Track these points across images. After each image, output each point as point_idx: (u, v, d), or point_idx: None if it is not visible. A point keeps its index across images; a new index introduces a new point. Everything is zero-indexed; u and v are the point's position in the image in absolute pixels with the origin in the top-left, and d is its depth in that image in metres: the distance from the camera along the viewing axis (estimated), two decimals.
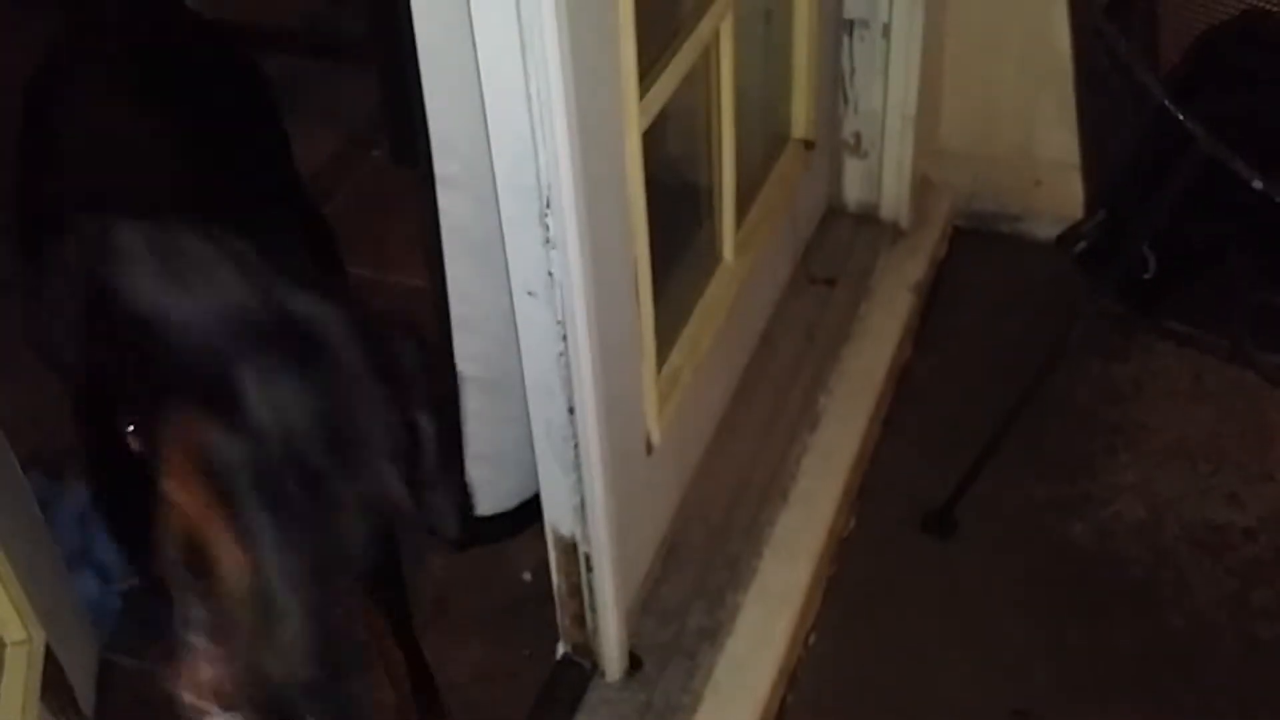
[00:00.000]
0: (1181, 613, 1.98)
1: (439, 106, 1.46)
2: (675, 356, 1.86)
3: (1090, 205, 1.80)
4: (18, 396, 1.76)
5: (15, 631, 1.59)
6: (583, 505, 1.57)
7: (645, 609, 1.83)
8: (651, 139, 1.58)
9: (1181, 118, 1.55)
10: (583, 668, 1.74)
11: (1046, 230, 2.66)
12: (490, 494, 1.87)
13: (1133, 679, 1.88)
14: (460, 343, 1.70)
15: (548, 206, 1.33)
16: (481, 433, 1.77)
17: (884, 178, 2.48)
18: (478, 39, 1.26)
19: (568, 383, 1.46)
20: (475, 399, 1.72)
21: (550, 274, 1.38)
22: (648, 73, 1.57)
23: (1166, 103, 1.54)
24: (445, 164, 1.52)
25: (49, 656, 1.63)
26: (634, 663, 1.76)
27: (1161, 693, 1.86)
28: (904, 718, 1.85)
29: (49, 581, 1.70)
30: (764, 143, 2.21)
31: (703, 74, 1.83)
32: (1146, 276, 1.70)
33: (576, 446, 1.51)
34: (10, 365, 1.91)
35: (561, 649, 1.75)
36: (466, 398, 1.70)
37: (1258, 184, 1.48)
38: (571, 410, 1.48)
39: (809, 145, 2.30)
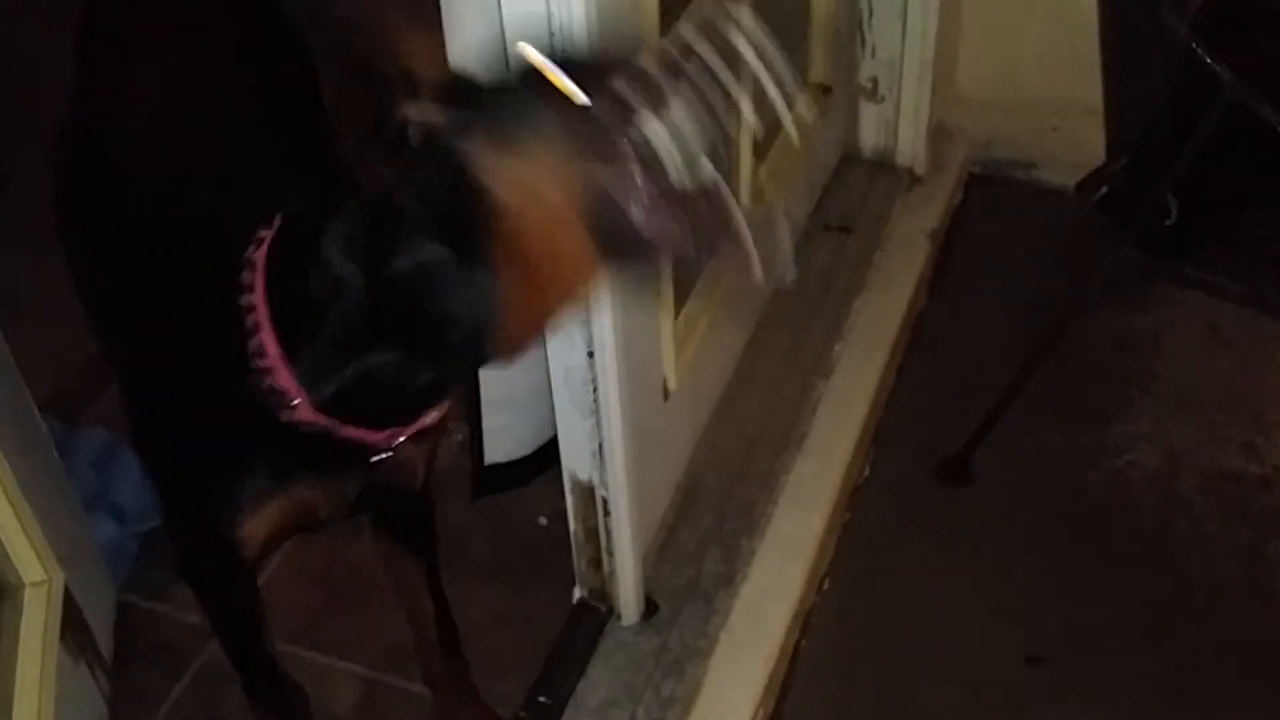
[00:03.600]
0: (1196, 562, 1.98)
1: (461, 47, 1.43)
2: (692, 303, 1.85)
3: (1112, 151, 1.78)
4: (34, 343, 1.75)
5: (35, 572, 1.60)
6: (601, 450, 1.57)
7: (661, 554, 1.83)
8: None
9: (1209, 61, 1.52)
10: (599, 611, 1.75)
11: (1063, 177, 2.64)
12: (507, 440, 1.87)
13: (1146, 628, 1.89)
14: None
15: None
16: (496, 379, 1.77)
17: (900, 124, 2.46)
18: None
19: (587, 326, 1.45)
20: None
21: None
22: (666, 14, 1.54)
23: (1194, 45, 1.51)
24: None
25: (68, 597, 1.63)
26: (650, 607, 1.76)
27: (1175, 641, 1.87)
28: (916, 664, 1.86)
29: (67, 524, 1.71)
30: None
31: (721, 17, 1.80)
32: (1168, 223, 1.69)
33: (595, 391, 1.51)
34: (27, 313, 1.92)
35: (578, 593, 1.76)
36: None
37: None
38: (591, 354, 1.47)
39: (826, 90, 2.27)
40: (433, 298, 0.99)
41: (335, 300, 1.04)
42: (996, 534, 2.03)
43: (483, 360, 1.10)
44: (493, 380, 1.77)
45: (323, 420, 1.11)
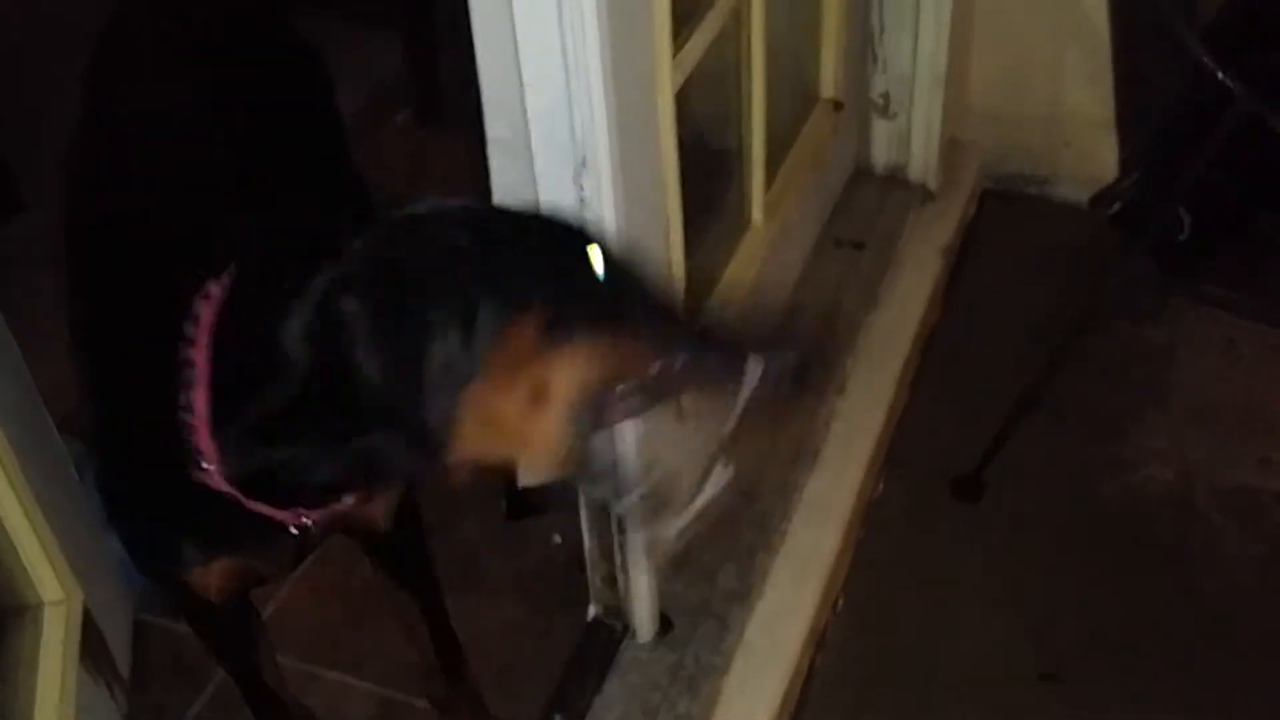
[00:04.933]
0: (1211, 577, 1.97)
1: (490, 68, 1.44)
2: None
3: (1125, 166, 1.78)
4: (52, 365, 1.77)
5: (54, 591, 1.61)
6: (615, 467, 1.57)
7: (675, 571, 1.83)
8: (682, 100, 1.57)
9: (1220, 74, 1.53)
10: (614, 629, 1.75)
11: (1075, 192, 2.65)
12: None
13: (1162, 643, 1.88)
14: None
15: (583, 164, 1.32)
16: None
17: (913, 139, 2.46)
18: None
19: None
20: None
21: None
22: (680, 31, 1.56)
23: (1205, 59, 1.51)
24: (496, 127, 1.50)
25: (87, 616, 1.64)
26: (665, 624, 1.76)
27: (1190, 657, 1.86)
28: (931, 680, 1.85)
29: (86, 543, 1.72)
30: (793, 104, 2.19)
31: (733, 34, 1.81)
32: (1182, 238, 1.69)
33: None
34: (46, 334, 1.93)
35: (593, 610, 1.76)
36: None
37: None
38: None
39: (838, 106, 2.28)
40: (380, 420, 0.97)
41: (274, 382, 1.00)
42: (1010, 550, 2.03)
43: (408, 475, 1.08)
44: None
45: (229, 491, 1.09)
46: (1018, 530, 2.06)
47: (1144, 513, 2.07)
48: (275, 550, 1.26)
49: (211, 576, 1.27)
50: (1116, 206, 1.78)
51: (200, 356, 1.06)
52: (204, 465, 1.08)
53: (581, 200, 1.35)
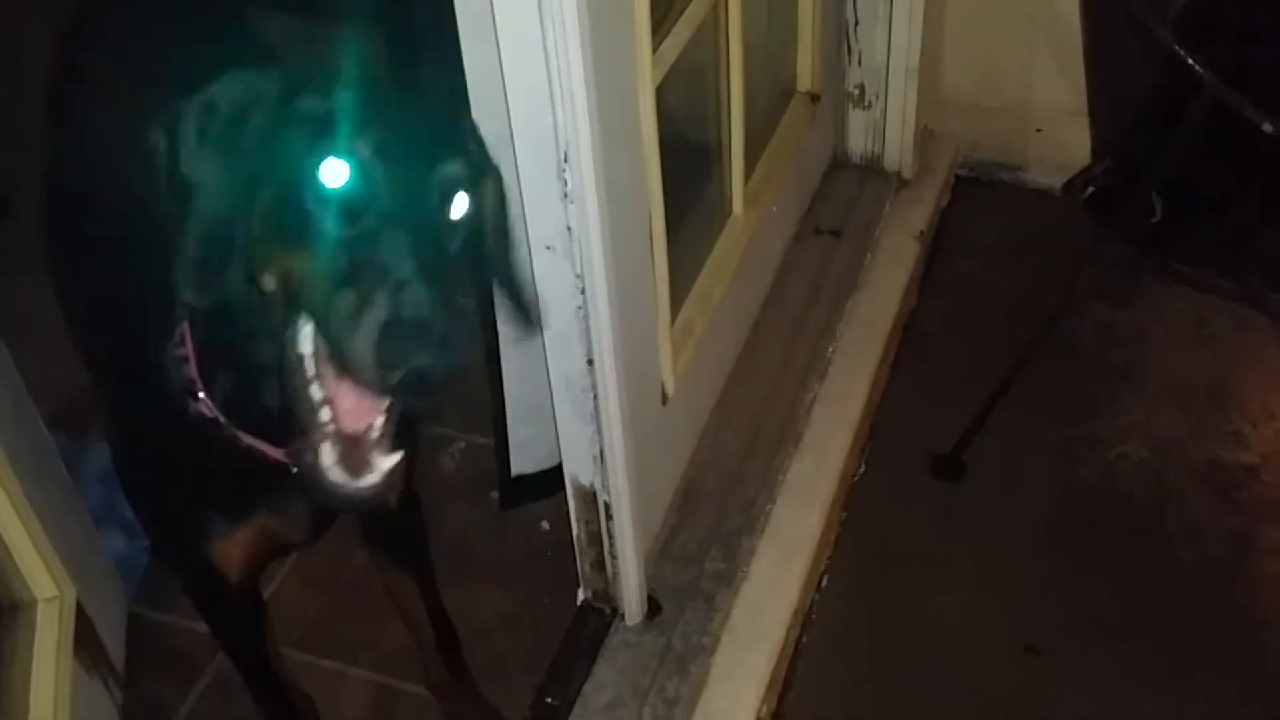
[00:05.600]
0: (1189, 551, 2.02)
1: (476, 64, 1.46)
2: (688, 309, 1.88)
3: (1098, 151, 1.82)
4: (40, 362, 1.78)
5: (47, 588, 1.62)
6: (601, 455, 1.60)
7: (662, 554, 1.86)
8: (662, 94, 1.60)
9: (1190, 62, 1.56)
10: (603, 613, 1.78)
11: (1047, 178, 2.69)
12: (533, 451, 1.90)
13: (1142, 617, 1.93)
14: (500, 302, 1.71)
15: (565, 160, 1.35)
16: (521, 392, 1.80)
17: (887, 128, 2.50)
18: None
19: (586, 335, 1.49)
20: (515, 359, 1.74)
21: (569, 228, 1.40)
22: (660, 26, 1.58)
23: (1175, 48, 1.55)
24: (485, 124, 1.52)
25: (80, 612, 1.66)
26: (653, 607, 1.79)
27: (1170, 629, 1.91)
28: (916, 656, 1.89)
29: (78, 539, 1.74)
30: (770, 96, 2.22)
31: (711, 28, 1.84)
32: (1154, 220, 1.72)
33: (595, 398, 1.54)
34: (33, 333, 1.94)
35: (581, 595, 1.79)
36: (507, 358, 1.73)
37: (1268, 127, 1.50)
38: (590, 362, 1.51)
39: (814, 98, 2.31)
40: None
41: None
42: (992, 527, 2.07)
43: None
44: (518, 394, 1.80)
45: (224, 421, 1.18)
46: (998, 508, 2.10)
47: (1120, 489, 2.12)
48: (292, 511, 1.29)
49: (235, 548, 1.31)
50: (1089, 191, 1.81)
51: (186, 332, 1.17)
52: (198, 394, 1.17)
53: (565, 194, 1.37)
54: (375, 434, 1.06)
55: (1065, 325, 2.05)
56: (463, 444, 2.09)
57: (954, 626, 1.93)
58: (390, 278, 0.96)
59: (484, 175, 1.13)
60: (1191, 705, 1.81)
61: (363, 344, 0.96)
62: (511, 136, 1.37)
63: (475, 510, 1.98)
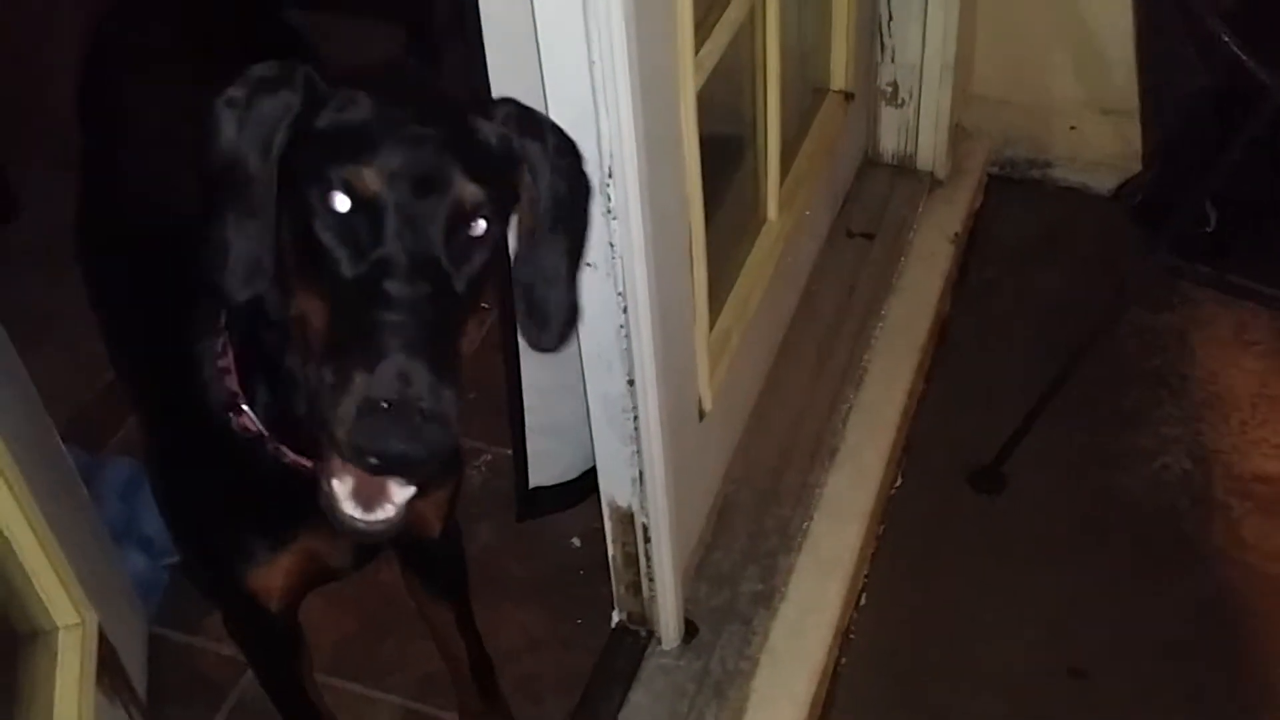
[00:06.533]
0: (1235, 566, 1.96)
1: (503, 75, 1.39)
2: (724, 319, 1.82)
3: (1149, 157, 1.75)
4: (52, 367, 1.73)
5: (68, 615, 1.57)
6: (641, 476, 1.55)
7: (698, 574, 1.81)
8: (700, 99, 1.54)
9: (1251, 65, 1.50)
10: (638, 635, 1.73)
11: (1080, 176, 2.63)
12: (553, 465, 1.84)
13: (1187, 634, 1.87)
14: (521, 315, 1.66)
15: (609, 176, 1.29)
16: (541, 404, 1.74)
17: (921, 127, 2.43)
18: (535, 6, 1.21)
19: (627, 355, 1.43)
20: (533, 371, 1.69)
21: (611, 245, 1.34)
22: (699, 29, 1.52)
23: (1238, 51, 1.48)
24: None
25: (101, 638, 1.61)
26: (689, 629, 1.74)
27: (1217, 648, 1.85)
28: (957, 677, 1.84)
29: (98, 560, 1.68)
30: (803, 96, 2.16)
31: (748, 29, 1.77)
32: (1208, 230, 1.66)
33: (636, 419, 1.48)
34: (43, 338, 1.89)
35: (616, 617, 1.74)
36: (526, 369, 1.67)
37: None
38: (631, 382, 1.45)
39: (849, 96, 2.25)
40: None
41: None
42: (1032, 541, 2.02)
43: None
44: (537, 406, 1.74)
45: (264, 431, 1.14)
46: (1039, 523, 2.04)
47: (1164, 502, 2.06)
48: (334, 536, 1.22)
49: (276, 576, 1.26)
50: (1139, 198, 1.75)
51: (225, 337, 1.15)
52: (241, 408, 1.14)
53: (609, 209, 1.31)
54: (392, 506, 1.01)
55: (1104, 332, 1.98)
56: (490, 456, 2.03)
57: (995, 647, 1.87)
58: (375, 347, 0.90)
59: (514, 169, 1.06)
60: None
61: (341, 428, 0.90)
62: None
63: (504, 526, 1.92)
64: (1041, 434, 2.05)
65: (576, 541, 1.91)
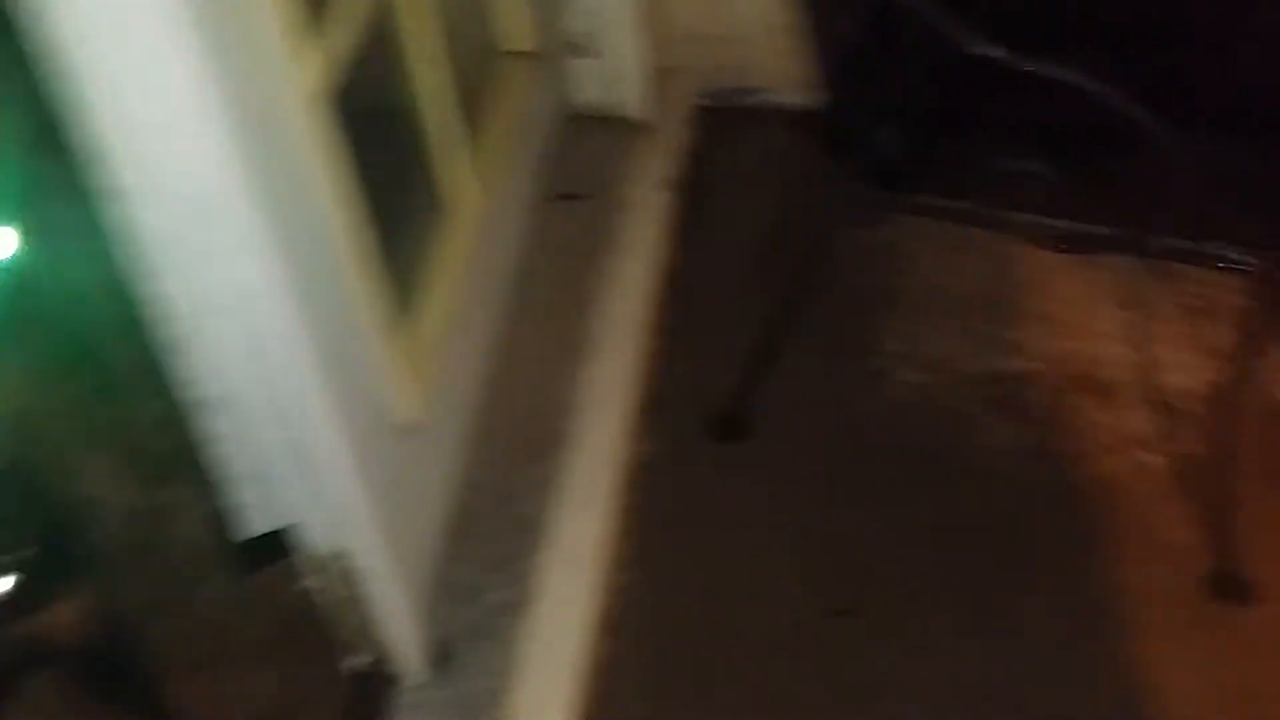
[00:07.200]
0: (985, 477, 1.96)
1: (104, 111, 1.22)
2: (426, 322, 1.70)
3: (818, 88, 1.71)
4: None
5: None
6: (344, 515, 1.43)
7: (440, 594, 1.71)
8: (344, 93, 1.40)
9: None
10: (385, 674, 1.62)
11: (795, 97, 2.59)
12: (264, 511, 1.69)
13: (943, 552, 1.87)
14: (186, 364, 1.50)
15: (214, 212, 1.14)
16: (235, 453, 1.59)
17: (617, 74, 2.35)
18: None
19: (293, 394, 1.30)
20: (219, 420, 1.53)
21: (236, 286, 1.20)
22: (310, 20, 1.37)
23: None
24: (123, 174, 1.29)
25: None
26: (439, 656, 1.64)
27: (972, 560, 1.86)
28: (727, 636, 1.80)
29: None
30: (480, 63, 2.03)
31: (388, 10, 1.63)
32: (894, 154, 1.63)
33: (319, 459, 1.36)
34: None
35: (357, 660, 1.62)
36: (212, 421, 1.51)
37: (996, 53, 1.41)
38: (303, 422, 1.32)
39: (531, 57, 2.13)
40: None
41: None
42: (785, 485, 1.99)
43: None
44: (232, 456, 1.59)
45: None
46: (786, 463, 2.01)
47: (904, 419, 2.05)
48: None
49: None
50: (819, 129, 1.71)
51: None
52: None
53: (227, 249, 1.17)
54: None
55: (820, 257, 1.94)
56: (209, 508, 1.86)
57: (760, 597, 1.84)
58: None
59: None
60: (1011, 642, 1.76)
61: None
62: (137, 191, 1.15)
63: (225, 585, 1.76)
64: (779, 370, 2.02)
65: (307, 583, 1.77)
